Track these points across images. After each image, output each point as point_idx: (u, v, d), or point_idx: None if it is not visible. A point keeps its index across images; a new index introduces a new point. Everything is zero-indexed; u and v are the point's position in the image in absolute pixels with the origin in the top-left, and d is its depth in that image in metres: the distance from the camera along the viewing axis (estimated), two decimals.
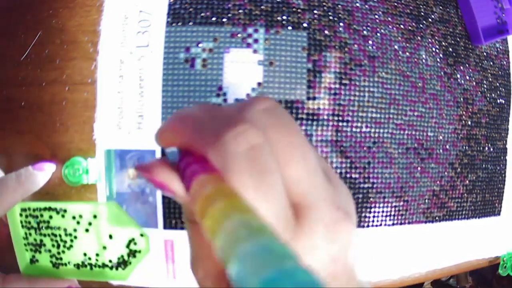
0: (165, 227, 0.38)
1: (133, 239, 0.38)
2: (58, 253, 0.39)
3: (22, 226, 0.39)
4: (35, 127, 0.39)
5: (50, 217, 0.38)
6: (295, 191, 0.17)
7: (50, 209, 0.38)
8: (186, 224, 0.20)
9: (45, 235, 0.38)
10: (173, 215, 0.38)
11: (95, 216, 0.38)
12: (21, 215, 0.38)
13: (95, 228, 0.38)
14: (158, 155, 0.37)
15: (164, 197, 0.38)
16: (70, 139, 0.38)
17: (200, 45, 0.37)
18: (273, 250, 0.12)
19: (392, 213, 0.41)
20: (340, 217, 0.18)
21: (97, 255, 0.39)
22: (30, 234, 0.39)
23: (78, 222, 0.38)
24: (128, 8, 0.38)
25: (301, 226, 0.17)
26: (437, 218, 0.43)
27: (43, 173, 0.37)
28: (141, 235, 0.38)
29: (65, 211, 0.38)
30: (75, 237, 0.38)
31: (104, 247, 0.38)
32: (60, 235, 0.38)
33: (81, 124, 0.38)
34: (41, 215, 0.38)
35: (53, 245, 0.39)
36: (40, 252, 0.39)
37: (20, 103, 0.39)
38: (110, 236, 0.38)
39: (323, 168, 0.19)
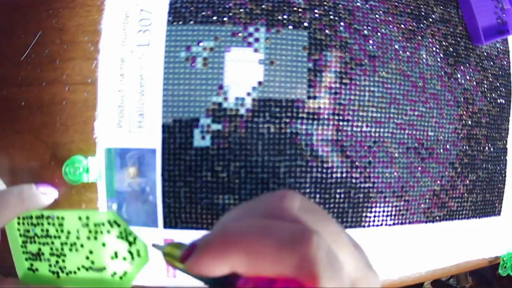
0: (165, 226, 0.38)
1: (132, 248, 0.38)
2: (57, 262, 0.38)
3: (20, 235, 0.38)
4: (35, 127, 0.39)
5: (48, 224, 0.38)
6: (351, 271, 0.20)
7: (48, 217, 0.37)
8: None
9: (43, 244, 0.38)
10: (173, 214, 0.38)
11: (95, 225, 0.37)
12: (18, 223, 0.38)
13: (95, 237, 0.38)
14: (159, 154, 0.37)
15: (164, 196, 0.38)
16: (70, 139, 0.38)
17: (201, 44, 0.37)
18: None
19: (393, 212, 0.41)
20: (377, 277, 0.22)
21: (97, 263, 0.38)
22: (28, 242, 0.38)
23: (77, 231, 0.38)
24: (129, 7, 0.38)
25: None
26: (437, 218, 0.43)
27: (45, 196, 0.37)
28: (140, 243, 0.38)
29: (63, 218, 0.37)
30: (75, 246, 0.38)
31: (105, 256, 0.38)
32: (59, 244, 0.38)
33: (81, 124, 0.38)
34: (40, 224, 0.38)
35: (51, 254, 0.38)
36: (40, 260, 0.39)
37: (20, 103, 0.39)
38: (104, 245, 0.38)
39: (350, 239, 0.22)
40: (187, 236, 0.38)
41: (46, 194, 0.37)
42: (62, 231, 0.38)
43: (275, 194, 0.22)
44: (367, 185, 0.40)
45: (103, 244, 0.38)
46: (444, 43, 0.43)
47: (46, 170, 0.39)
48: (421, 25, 0.42)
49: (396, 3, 0.41)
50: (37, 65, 0.39)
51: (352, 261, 0.21)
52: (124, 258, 0.38)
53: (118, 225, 0.37)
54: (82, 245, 0.38)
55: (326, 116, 0.38)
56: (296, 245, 0.18)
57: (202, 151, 0.37)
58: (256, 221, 0.21)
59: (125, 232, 0.37)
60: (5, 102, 0.39)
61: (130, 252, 0.38)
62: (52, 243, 0.38)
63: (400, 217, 0.42)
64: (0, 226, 0.35)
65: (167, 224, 0.38)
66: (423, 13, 0.42)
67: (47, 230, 0.38)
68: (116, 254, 0.38)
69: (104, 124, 0.38)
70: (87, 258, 0.38)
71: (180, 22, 0.37)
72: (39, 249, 0.38)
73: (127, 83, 0.37)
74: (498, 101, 0.46)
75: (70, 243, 0.38)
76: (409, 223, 0.42)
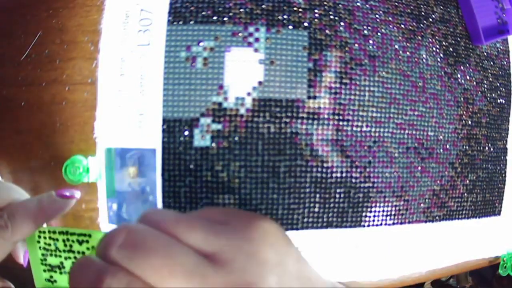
0: None
1: None
2: None
3: (40, 248, 0.38)
4: (35, 127, 0.39)
5: (73, 241, 0.37)
6: None
7: (73, 234, 0.37)
8: None
9: (66, 258, 0.38)
10: None
11: None
12: (39, 236, 0.38)
13: None
14: (159, 154, 0.37)
15: (164, 196, 0.38)
16: (70, 139, 0.38)
17: (201, 44, 0.37)
18: None
19: (393, 212, 0.41)
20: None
21: None
22: (49, 255, 0.38)
23: None
24: (129, 7, 0.38)
25: None
26: (437, 217, 0.43)
27: (66, 200, 0.36)
28: None
29: (89, 236, 0.37)
30: None
31: None
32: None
33: (81, 124, 0.38)
34: (64, 239, 0.37)
35: None
36: (60, 273, 0.38)
37: (20, 103, 0.39)
38: None
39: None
40: None
41: (68, 197, 0.36)
42: (87, 248, 0.38)
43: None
44: (367, 184, 0.40)
45: None
46: (444, 43, 0.43)
47: (46, 170, 0.39)
48: (421, 25, 0.42)
49: (396, 3, 0.41)
50: (37, 65, 0.39)
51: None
52: None
53: None
54: None
55: (326, 116, 0.39)
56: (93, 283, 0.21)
57: (202, 151, 0.37)
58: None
59: None
60: (5, 102, 0.39)
61: None
62: (75, 258, 0.38)
63: (400, 216, 0.42)
64: (22, 238, 0.35)
65: None
66: (423, 13, 0.42)
67: (71, 246, 0.38)
68: None
69: (104, 124, 0.38)
70: None
71: (180, 22, 0.37)
72: (61, 263, 0.38)
73: (127, 82, 0.37)
74: (498, 101, 0.46)
75: None
76: (409, 223, 0.42)
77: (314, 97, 0.38)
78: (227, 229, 0.26)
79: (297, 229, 0.39)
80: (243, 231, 0.26)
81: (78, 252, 0.38)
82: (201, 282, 0.22)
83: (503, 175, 0.47)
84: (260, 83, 0.37)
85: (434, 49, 0.42)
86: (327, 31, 0.39)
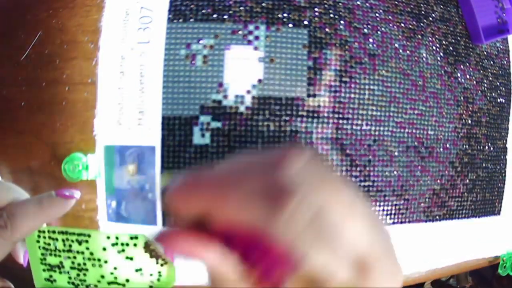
0: (164, 224, 0.38)
1: (159, 268, 0.38)
2: (78, 275, 0.38)
3: (39, 247, 0.38)
4: (35, 127, 0.39)
5: (72, 241, 0.37)
6: (359, 247, 0.18)
7: (73, 234, 0.37)
8: None
9: (65, 258, 0.38)
10: None
11: (122, 244, 0.38)
12: (39, 236, 0.38)
13: (122, 257, 0.38)
14: (158, 152, 0.37)
15: (163, 194, 0.38)
16: (70, 139, 0.38)
17: (201, 41, 0.37)
18: None
19: (393, 211, 0.41)
20: (399, 270, 0.20)
21: (120, 278, 0.38)
22: (48, 255, 0.38)
23: (104, 249, 0.38)
24: (129, 5, 0.38)
25: (368, 278, 0.18)
26: (437, 217, 0.43)
27: (66, 200, 0.36)
28: (168, 265, 0.38)
29: (89, 236, 0.37)
30: (99, 262, 0.38)
31: (129, 271, 0.38)
32: (82, 259, 0.38)
33: (81, 124, 0.38)
34: (63, 239, 0.37)
35: (72, 268, 0.38)
36: (60, 272, 0.38)
37: (20, 103, 0.39)
38: (132, 259, 0.38)
39: (370, 215, 0.20)
40: None
41: (67, 197, 0.36)
42: (87, 248, 0.38)
43: (281, 150, 0.19)
44: (366, 183, 0.40)
45: (131, 264, 0.38)
46: (444, 42, 0.43)
47: (46, 170, 0.39)
48: (421, 24, 0.42)
49: (396, 2, 0.41)
50: (37, 65, 0.39)
51: (366, 237, 0.18)
52: (151, 275, 0.38)
53: (149, 246, 0.38)
54: (106, 261, 0.38)
55: (326, 114, 0.38)
56: (270, 199, 0.17)
57: (202, 148, 0.37)
58: (239, 168, 0.19)
59: (153, 251, 0.38)
60: (5, 102, 0.39)
61: (159, 272, 0.38)
62: (74, 257, 0.38)
63: (400, 216, 0.42)
64: (22, 237, 0.35)
65: (167, 222, 0.38)
66: (423, 12, 0.42)
67: (70, 246, 0.38)
68: (143, 274, 0.38)
69: (104, 122, 0.38)
70: (111, 273, 0.38)
71: (180, 20, 0.37)
72: (60, 262, 0.38)
73: (127, 80, 0.37)
74: (498, 100, 0.46)
75: (94, 259, 0.38)
76: (409, 222, 0.42)
77: (314, 95, 0.38)
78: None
79: None
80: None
81: (78, 252, 0.38)
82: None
83: (503, 174, 0.47)
84: (259, 81, 0.37)
85: (434, 48, 0.42)
86: (327, 30, 0.39)
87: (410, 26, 0.42)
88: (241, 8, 0.38)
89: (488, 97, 0.45)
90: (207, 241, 0.18)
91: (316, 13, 0.39)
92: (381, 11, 0.41)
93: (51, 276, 0.39)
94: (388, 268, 0.19)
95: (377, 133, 0.40)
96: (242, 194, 0.18)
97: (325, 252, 0.17)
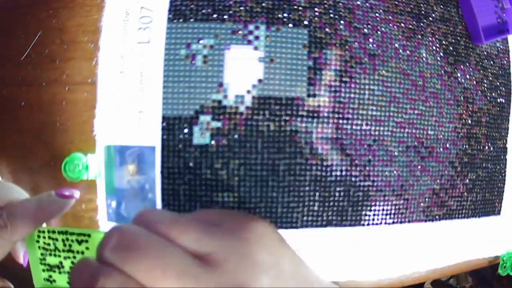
0: None
1: None
2: None
3: (39, 247, 0.38)
4: (35, 127, 0.39)
5: (72, 241, 0.37)
6: None
7: (73, 233, 0.37)
8: None
9: (65, 258, 0.38)
10: None
11: None
12: (38, 236, 0.38)
13: None
14: (158, 151, 0.37)
15: (163, 194, 0.38)
16: (70, 139, 0.38)
17: (201, 41, 0.37)
18: None
19: (392, 211, 0.41)
20: None
21: None
22: (48, 255, 0.38)
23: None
24: (129, 4, 0.38)
25: None
26: (437, 216, 0.43)
27: (66, 200, 0.36)
28: None
29: (89, 236, 0.37)
30: None
31: None
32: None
33: (81, 124, 0.38)
34: (63, 239, 0.37)
35: (72, 268, 0.38)
36: (59, 272, 0.38)
37: (20, 103, 0.39)
38: None
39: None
40: None
41: (67, 197, 0.36)
42: (87, 248, 0.38)
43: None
44: (366, 183, 0.40)
45: None
46: (444, 42, 0.43)
47: (46, 170, 0.39)
48: (421, 24, 0.42)
49: (396, 2, 0.41)
50: (37, 65, 0.39)
51: None
52: None
53: None
54: None
55: (326, 114, 0.39)
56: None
57: (202, 148, 0.37)
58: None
59: None
60: (5, 102, 0.39)
61: None
62: (74, 257, 0.38)
63: (400, 215, 0.42)
64: (21, 237, 0.35)
65: None
66: (423, 12, 0.42)
67: (70, 246, 0.38)
68: None
69: (104, 122, 0.38)
70: None
71: (181, 20, 0.37)
72: (60, 262, 0.38)
73: (127, 80, 0.37)
74: (498, 100, 0.46)
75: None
76: (409, 221, 0.42)
77: (314, 95, 0.38)
78: (221, 231, 0.26)
79: (296, 227, 0.39)
80: (237, 232, 0.27)
81: (78, 252, 0.38)
82: (194, 283, 0.22)
83: (503, 174, 0.47)
84: (260, 81, 0.37)
85: (434, 48, 0.42)
86: (327, 30, 0.39)
87: (410, 26, 0.42)
88: (241, 8, 0.38)
89: (488, 97, 0.45)
90: None
91: (316, 13, 0.39)
92: (381, 11, 0.41)
93: (50, 276, 0.39)
94: None
95: (377, 133, 0.40)
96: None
97: None
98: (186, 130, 0.37)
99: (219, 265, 0.24)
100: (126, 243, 0.23)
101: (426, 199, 0.42)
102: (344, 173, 0.39)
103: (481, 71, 0.45)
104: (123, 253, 0.23)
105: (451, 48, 0.43)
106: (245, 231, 0.27)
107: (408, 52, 0.41)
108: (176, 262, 0.23)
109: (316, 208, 0.39)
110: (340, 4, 0.40)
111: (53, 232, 0.38)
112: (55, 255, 0.38)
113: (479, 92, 0.45)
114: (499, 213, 0.47)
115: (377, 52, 0.40)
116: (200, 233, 0.25)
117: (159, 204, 0.38)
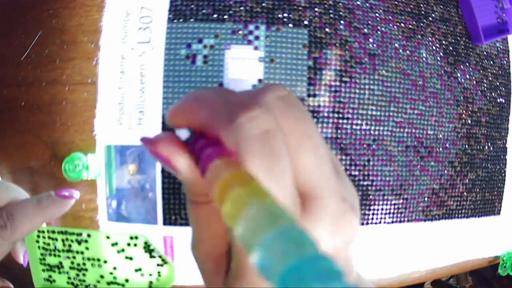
0: (164, 223, 0.38)
1: (159, 268, 0.38)
2: (78, 275, 0.38)
3: (39, 247, 0.38)
4: (35, 127, 0.39)
5: (72, 241, 0.37)
6: (303, 180, 0.17)
7: (72, 233, 0.37)
8: (189, 205, 0.19)
9: (65, 258, 0.38)
10: (173, 211, 0.38)
11: (121, 244, 0.38)
12: (38, 236, 0.38)
13: (122, 257, 0.38)
14: None
15: (164, 193, 0.38)
16: (70, 139, 0.38)
17: (201, 41, 0.37)
18: (294, 237, 0.12)
19: (392, 211, 0.41)
20: (346, 210, 0.18)
21: (119, 278, 0.38)
22: (48, 255, 0.38)
23: (103, 249, 0.38)
24: (130, 5, 0.38)
25: (308, 215, 0.17)
26: (436, 216, 0.43)
27: (66, 200, 0.36)
28: (167, 264, 0.38)
29: (89, 236, 0.37)
30: (98, 262, 0.38)
31: (129, 271, 0.38)
32: (81, 259, 0.38)
33: (81, 124, 0.38)
34: (63, 239, 0.37)
35: (72, 268, 0.38)
36: (59, 272, 0.39)
37: (20, 103, 0.39)
38: (131, 259, 0.38)
39: (332, 161, 0.19)
40: (187, 233, 0.38)
41: (67, 197, 0.36)
42: (87, 248, 0.38)
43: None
44: (366, 183, 0.40)
45: (130, 264, 0.38)
46: (444, 42, 0.43)
47: (46, 170, 0.39)
48: (421, 24, 0.42)
49: (396, 2, 0.41)
50: (37, 65, 0.39)
51: (314, 170, 0.17)
52: (150, 275, 0.38)
53: (148, 246, 0.38)
54: (105, 261, 0.38)
55: (325, 114, 0.39)
56: (235, 111, 0.17)
57: None
58: (222, 89, 0.20)
59: (153, 252, 0.38)
60: (5, 102, 0.39)
61: (158, 272, 0.38)
62: (74, 257, 0.38)
63: (399, 215, 0.42)
64: (21, 237, 0.35)
65: (167, 221, 0.38)
66: (423, 12, 0.42)
67: (69, 246, 0.38)
68: (142, 273, 0.38)
69: (104, 121, 0.38)
70: (111, 273, 0.38)
71: (181, 20, 0.38)
72: (60, 262, 0.38)
73: (127, 80, 0.37)
74: (498, 100, 0.46)
75: (93, 259, 0.38)
76: (408, 221, 0.42)
77: (314, 95, 0.38)
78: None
79: None
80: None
81: (77, 252, 0.38)
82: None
83: (503, 174, 0.47)
84: (260, 80, 0.37)
85: (434, 48, 0.42)
86: (327, 30, 0.39)
87: (410, 26, 0.42)
88: (241, 8, 0.38)
89: (488, 97, 0.45)
90: (183, 149, 0.18)
91: (316, 13, 0.39)
92: (381, 11, 0.41)
93: (50, 276, 0.39)
94: (332, 209, 0.17)
95: (376, 132, 0.40)
96: (218, 102, 0.18)
97: (263, 169, 0.16)
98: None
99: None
100: (293, 101, 0.20)
101: (426, 199, 0.42)
102: None
103: (481, 71, 0.45)
104: (289, 106, 0.18)
105: (451, 48, 0.43)
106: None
107: (408, 52, 0.41)
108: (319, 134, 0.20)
109: None
110: (340, 4, 0.40)
111: (53, 232, 0.38)
112: (55, 255, 0.38)
113: (479, 92, 0.45)
114: (499, 213, 0.47)
115: (377, 52, 0.40)
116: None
117: (159, 204, 0.38)
